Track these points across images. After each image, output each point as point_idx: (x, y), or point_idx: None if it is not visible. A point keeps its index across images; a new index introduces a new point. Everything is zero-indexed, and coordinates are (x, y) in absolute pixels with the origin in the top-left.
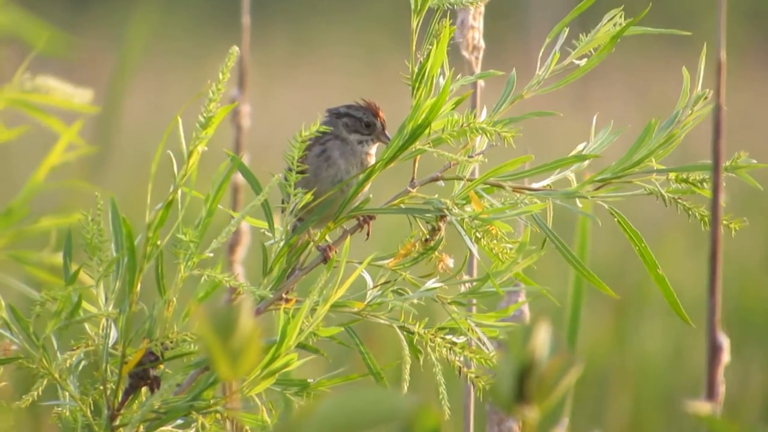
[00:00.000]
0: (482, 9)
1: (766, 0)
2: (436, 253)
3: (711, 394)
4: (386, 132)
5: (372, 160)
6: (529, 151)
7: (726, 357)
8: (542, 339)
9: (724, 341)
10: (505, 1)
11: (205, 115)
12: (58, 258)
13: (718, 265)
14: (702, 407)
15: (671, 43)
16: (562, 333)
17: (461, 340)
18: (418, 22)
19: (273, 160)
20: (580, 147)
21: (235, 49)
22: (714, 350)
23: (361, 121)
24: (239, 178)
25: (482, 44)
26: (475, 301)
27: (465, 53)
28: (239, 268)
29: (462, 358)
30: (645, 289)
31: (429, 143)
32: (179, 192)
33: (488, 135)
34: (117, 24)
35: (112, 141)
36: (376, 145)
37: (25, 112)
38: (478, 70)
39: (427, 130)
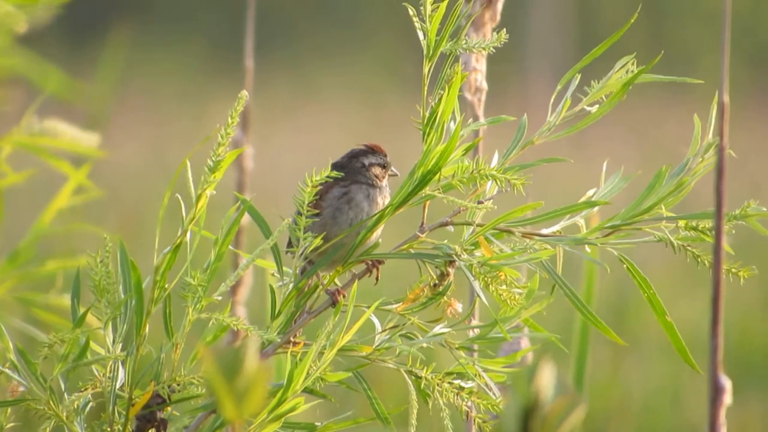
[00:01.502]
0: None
1: (763, 44)
2: (445, 298)
3: None
4: (392, 167)
5: (386, 200)
6: (531, 194)
7: (728, 398)
8: (546, 380)
9: (726, 383)
10: (503, 44)
11: (213, 158)
12: (65, 300)
13: (720, 308)
14: None
15: (669, 84)
16: (565, 375)
17: (469, 385)
18: (430, 67)
19: (274, 201)
20: (590, 193)
21: (245, 93)
22: (716, 391)
23: (383, 167)
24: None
25: (485, 86)
26: (476, 346)
27: (468, 95)
28: (242, 309)
29: (470, 403)
30: (643, 330)
31: (439, 189)
32: (188, 236)
33: (498, 182)
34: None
35: (104, 179)
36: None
37: (32, 154)
38: (481, 111)
39: (437, 176)
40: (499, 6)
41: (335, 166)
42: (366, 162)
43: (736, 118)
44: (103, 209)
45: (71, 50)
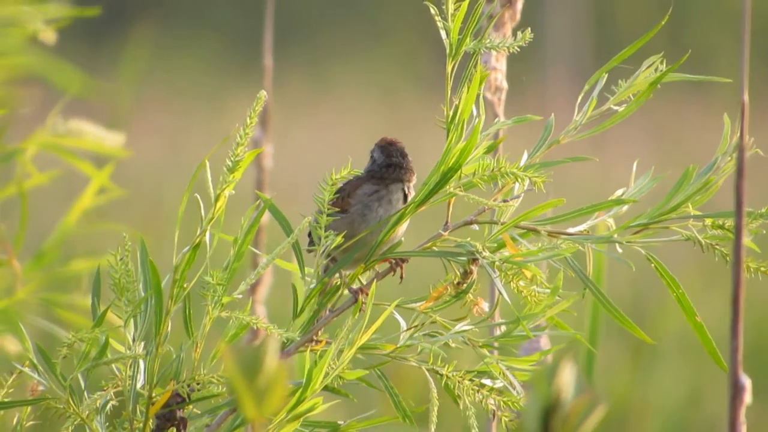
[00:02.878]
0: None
1: None
2: (471, 296)
3: None
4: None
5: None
6: (552, 193)
7: (748, 397)
8: (567, 379)
9: (746, 382)
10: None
11: (232, 159)
12: (87, 301)
13: (740, 307)
14: None
15: (687, 85)
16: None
17: (496, 384)
18: (454, 66)
19: (293, 199)
20: (618, 192)
21: (263, 93)
22: (736, 391)
23: (404, 167)
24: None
25: (505, 85)
26: (497, 344)
27: (488, 94)
28: (261, 308)
29: (493, 401)
30: (661, 328)
31: (460, 187)
32: (208, 235)
33: (519, 180)
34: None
35: (123, 177)
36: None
37: (54, 154)
38: (501, 110)
39: (457, 174)
40: (519, 5)
41: (375, 163)
42: (396, 160)
43: (759, 118)
44: (123, 206)
45: (89, 47)
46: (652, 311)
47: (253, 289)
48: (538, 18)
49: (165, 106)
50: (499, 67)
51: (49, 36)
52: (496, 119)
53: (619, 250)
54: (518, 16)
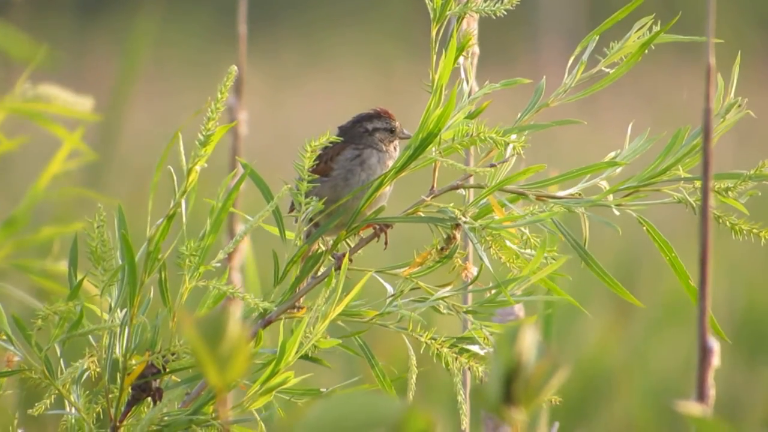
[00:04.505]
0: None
1: None
2: (460, 261)
3: (701, 396)
4: (404, 129)
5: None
6: (541, 159)
7: (716, 360)
8: (529, 342)
9: (714, 344)
10: (513, 10)
11: (204, 133)
12: (61, 266)
13: (707, 269)
14: (693, 407)
15: (678, 47)
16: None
17: (480, 350)
18: (438, 30)
19: (284, 168)
20: (611, 155)
21: (234, 68)
22: (704, 353)
23: (388, 131)
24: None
25: (477, 50)
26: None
27: (460, 59)
28: (237, 275)
29: (467, 365)
30: (656, 296)
31: (440, 152)
32: (183, 207)
33: (497, 145)
34: (127, 30)
35: (114, 149)
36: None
37: (28, 122)
38: (473, 75)
39: (436, 139)
40: None
41: (341, 130)
42: (370, 127)
43: (750, 80)
44: (113, 178)
45: (84, 18)
46: (640, 276)
47: (229, 256)
48: None
49: (151, 75)
50: (470, 30)
51: None
52: (464, 80)
53: (616, 213)
54: None
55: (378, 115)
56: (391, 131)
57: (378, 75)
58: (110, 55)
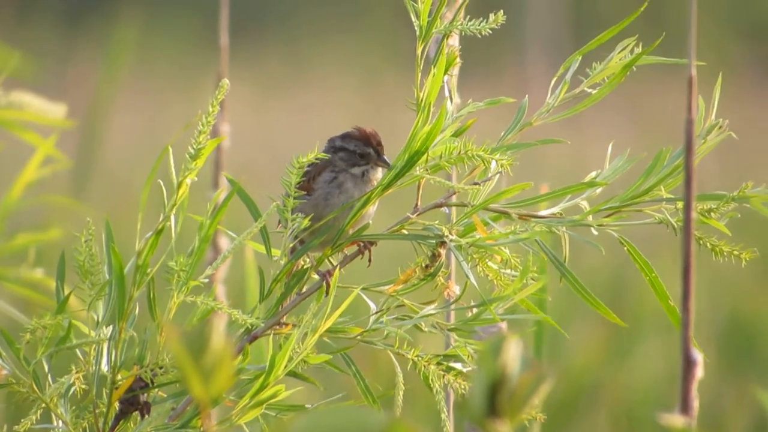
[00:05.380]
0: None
1: (764, 18)
2: (443, 280)
3: (685, 408)
4: (383, 156)
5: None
6: (525, 175)
7: (699, 372)
8: (513, 354)
9: (698, 356)
10: (499, 25)
11: (195, 147)
12: (37, 274)
13: (690, 282)
14: (675, 420)
15: (664, 64)
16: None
17: (464, 368)
18: (424, 47)
19: (270, 180)
20: (592, 174)
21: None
22: (688, 365)
23: (355, 154)
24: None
25: (458, 61)
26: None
27: None
28: (221, 287)
29: (454, 383)
30: (639, 312)
31: (427, 170)
32: (172, 221)
33: (485, 162)
34: (109, 37)
35: (95, 157)
36: (380, 170)
37: (1, 129)
38: (454, 89)
39: (424, 157)
40: None
41: (326, 150)
42: (337, 144)
43: (733, 93)
44: (94, 186)
45: (64, 24)
46: (628, 293)
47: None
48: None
49: (141, 88)
50: (452, 44)
51: None
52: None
53: (595, 233)
54: None
55: (349, 136)
56: (361, 155)
57: (364, 85)
58: (93, 63)
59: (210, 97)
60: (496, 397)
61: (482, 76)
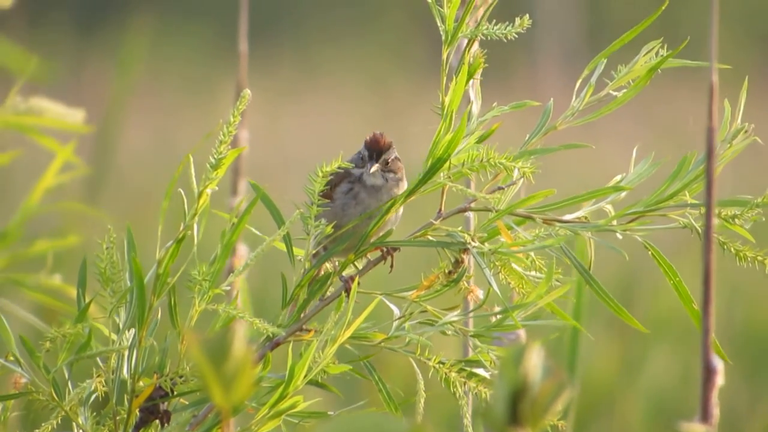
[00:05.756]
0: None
1: None
2: (467, 284)
3: (705, 416)
4: (371, 161)
5: (400, 190)
6: (544, 180)
7: (720, 380)
8: (535, 362)
9: (718, 364)
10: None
11: (216, 156)
12: (55, 280)
13: (711, 288)
14: (696, 428)
15: (680, 70)
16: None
17: (487, 374)
18: (449, 53)
19: (282, 186)
20: (617, 178)
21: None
22: (708, 373)
23: (362, 158)
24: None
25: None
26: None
27: None
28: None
29: (476, 390)
30: (652, 316)
31: (449, 177)
32: (195, 230)
33: (507, 170)
34: (122, 45)
35: (110, 164)
36: (398, 175)
37: (20, 135)
38: (475, 94)
39: (446, 164)
40: None
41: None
42: (359, 151)
43: (751, 99)
44: (109, 193)
45: (75, 34)
46: (642, 297)
47: (230, 275)
48: (528, 2)
49: (155, 95)
50: (474, 50)
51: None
52: (471, 103)
53: (619, 237)
54: None
55: (365, 141)
56: (362, 159)
57: (375, 93)
58: (106, 71)
59: (225, 104)
60: (517, 404)
61: (493, 79)
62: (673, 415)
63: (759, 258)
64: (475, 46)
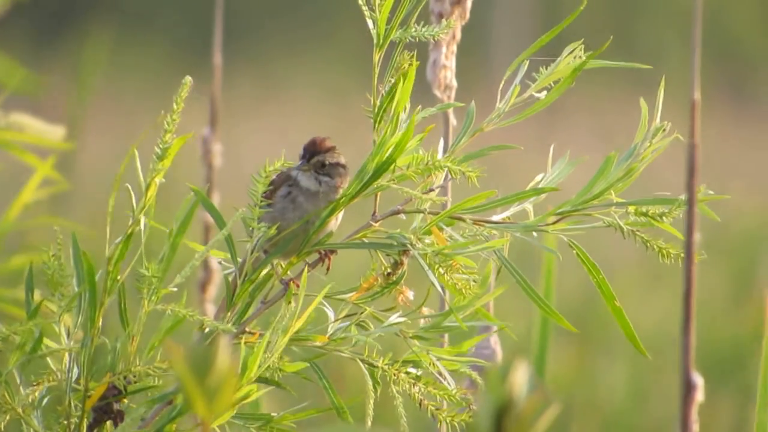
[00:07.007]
0: (454, 48)
1: (731, 39)
2: (397, 285)
3: None
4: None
5: (338, 193)
6: (493, 186)
7: (700, 396)
8: (520, 378)
9: (698, 380)
10: (469, 36)
11: (161, 146)
12: (34, 295)
13: (691, 304)
14: None
15: (637, 84)
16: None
17: (425, 374)
18: (380, 56)
19: (240, 197)
20: (538, 178)
21: (188, 79)
22: (688, 389)
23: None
24: (210, 217)
25: (454, 83)
26: (446, 336)
27: (437, 92)
28: (210, 306)
29: (424, 391)
30: (611, 325)
31: (393, 180)
32: (141, 225)
33: (452, 173)
34: (81, 57)
35: (74, 176)
36: (334, 180)
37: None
38: (451, 109)
39: (391, 167)
40: (469, 4)
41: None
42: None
43: (703, 113)
44: (71, 205)
45: (34, 44)
46: (603, 308)
47: (203, 288)
48: (485, 15)
49: (113, 105)
50: (448, 65)
51: None
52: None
53: (534, 235)
54: (468, 15)
55: (306, 150)
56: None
57: (334, 106)
58: (64, 83)
59: (188, 113)
60: (502, 420)
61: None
62: (629, 427)
63: (682, 255)
64: (452, 63)
